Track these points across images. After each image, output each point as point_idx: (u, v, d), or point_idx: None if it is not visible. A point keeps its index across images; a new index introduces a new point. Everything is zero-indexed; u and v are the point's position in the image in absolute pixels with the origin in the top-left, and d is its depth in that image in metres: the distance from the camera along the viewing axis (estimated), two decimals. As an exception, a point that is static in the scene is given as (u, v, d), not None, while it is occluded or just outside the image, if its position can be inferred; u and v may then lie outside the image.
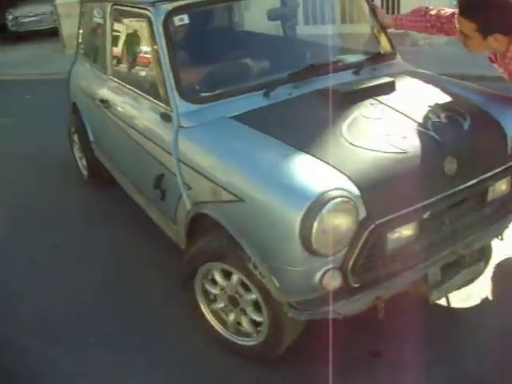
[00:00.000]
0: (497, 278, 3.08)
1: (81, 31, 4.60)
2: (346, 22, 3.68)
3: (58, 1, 11.89)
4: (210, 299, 2.68)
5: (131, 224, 3.98)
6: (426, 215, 2.26)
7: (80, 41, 4.61)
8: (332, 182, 2.07)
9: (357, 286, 2.19)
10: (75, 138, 4.74)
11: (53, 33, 13.38)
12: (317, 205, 1.99)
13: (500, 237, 2.73)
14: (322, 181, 2.07)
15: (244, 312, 2.54)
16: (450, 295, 2.85)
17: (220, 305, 2.64)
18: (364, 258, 2.15)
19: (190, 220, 2.65)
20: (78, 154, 4.85)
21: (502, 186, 2.59)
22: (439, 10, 3.12)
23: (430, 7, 3.15)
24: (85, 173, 4.80)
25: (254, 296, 2.41)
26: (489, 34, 2.58)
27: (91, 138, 4.33)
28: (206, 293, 2.68)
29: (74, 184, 4.90)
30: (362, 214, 2.11)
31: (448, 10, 3.06)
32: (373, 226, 2.12)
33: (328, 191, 2.02)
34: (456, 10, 2.98)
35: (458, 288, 2.63)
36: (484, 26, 2.56)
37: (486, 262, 2.92)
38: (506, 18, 2.57)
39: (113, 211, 4.26)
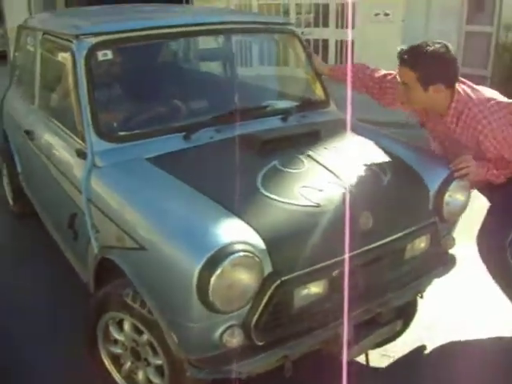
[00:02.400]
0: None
1: (16, 57, 4.46)
2: (282, 65, 3.64)
3: (10, 25, 11.64)
4: (115, 354, 2.50)
5: (46, 260, 3.77)
6: (337, 272, 2.18)
7: (14, 67, 4.47)
8: (236, 235, 1.97)
9: (261, 344, 2.07)
10: (4, 166, 4.56)
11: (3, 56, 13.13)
12: (216, 258, 1.88)
13: (420, 295, 2.67)
14: (225, 233, 1.97)
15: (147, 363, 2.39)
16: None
17: (126, 364, 2.47)
18: (269, 315, 2.05)
19: (97, 264, 2.50)
20: (6, 182, 4.65)
21: (421, 244, 2.54)
22: (375, 70, 3.11)
23: (369, 67, 3.15)
24: (11, 203, 4.60)
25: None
26: (430, 83, 2.56)
27: (19, 168, 4.15)
28: (109, 342, 2.51)
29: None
30: (268, 269, 2.01)
31: (382, 71, 3.06)
32: (278, 283, 2.02)
33: (230, 244, 1.92)
34: (389, 72, 3.00)
35: (373, 347, 2.54)
36: (424, 75, 2.55)
37: (407, 321, 2.87)
38: (446, 68, 2.58)
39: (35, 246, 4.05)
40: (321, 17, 9.00)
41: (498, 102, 2.62)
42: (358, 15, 8.79)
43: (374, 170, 2.49)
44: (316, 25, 9.05)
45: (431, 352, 2.92)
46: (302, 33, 9.07)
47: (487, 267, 2.89)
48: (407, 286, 2.51)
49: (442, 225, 2.59)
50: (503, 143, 2.59)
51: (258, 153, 2.47)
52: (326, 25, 9.00)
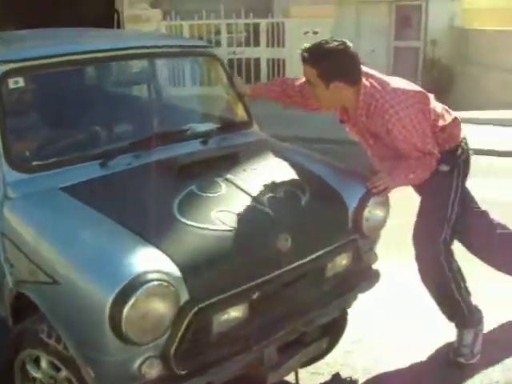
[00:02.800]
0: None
1: None
2: (204, 87, 3.65)
3: None
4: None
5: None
6: (256, 295, 2.17)
7: None
8: (150, 264, 1.94)
9: (183, 373, 2.03)
10: None
11: None
12: (128, 288, 1.84)
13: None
14: (138, 262, 1.93)
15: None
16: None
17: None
18: (188, 343, 2.01)
19: (13, 299, 2.40)
20: None
21: (342, 261, 2.56)
22: (295, 80, 3.15)
23: (286, 78, 3.19)
24: None
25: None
26: (330, 80, 2.60)
27: None
28: (27, 380, 2.41)
29: None
30: (184, 296, 1.98)
31: (303, 79, 3.10)
32: (196, 310, 1.99)
33: (143, 274, 1.89)
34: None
35: (299, 367, 2.55)
36: (323, 72, 2.59)
37: (335, 338, 2.89)
38: (345, 65, 2.62)
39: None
40: (252, 36, 9.09)
41: (405, 91, 2.67)
42: (288, 34, 8.94)
43: (293, 190, 2.51)
44: (247, 44, 9.14)
45: (361, 366, 2.95)
46: (234, 52, 9.20)
47: (420, 269, 2.95)
48: (331, 304, 2.52)
49: (362, 241, 2.63)
50: (413, 132, 2.63)
51: (176, 178, 2.44)
52: (257, 44, 9.10)
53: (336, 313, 2.63)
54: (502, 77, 10.30)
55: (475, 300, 3.00)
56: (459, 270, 2.95)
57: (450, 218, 2.90)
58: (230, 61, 8.96)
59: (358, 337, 3.14)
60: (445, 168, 2.86)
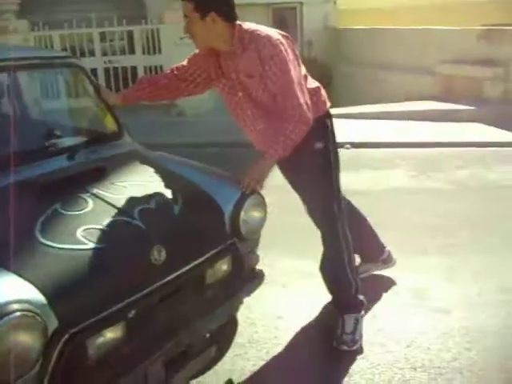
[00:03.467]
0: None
1: None
2: (70, 100, 3.48)
3: None
4: None
5: None
6: (133, 313, 2.08)
7: None
8: (10, 293, 1.79)
9: (61, 406, 1.91)
10: None
11: None
12: (-13, 324, 1.69)
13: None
14: (-3, 294, 1.78)
15: None
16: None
17: None
18: (63, 373, 1.88)
19: None
20: None
21: (222, 267, 2.53)
22: (162, 73, 3.18)
23: (152, 75, 3.12)
24: None
25: None
26: (206, 12, 2.58)
27: None
28: None
29: None
30: (53, 324, 1.85)
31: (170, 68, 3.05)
32: (67, 337, 1.87)
33: (3, 305, 1.74)
34: (181, 63, 2.99)
35: (190, 379, 2.48)
36: (199, 3, 2.58)
37: (224, 345, 2.86)
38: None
39: None
40: (127, 44, 8.90)
41: (279, 33, 2.76)
42: (164, 40, 8.84)
43: (165, 199, 2.44)
44: (122, 52, 8.92)
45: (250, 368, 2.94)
46: (109, 61, 8.95)
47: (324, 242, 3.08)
48: (215, 312, 2.48)
49: (242, 244, 2.62)
50: (290, 67, 2.66)
51: (38, 198, 2.29)
52: (132, 52, 8.92)
53: (222, 320, 2.60)
54: (370, 73, 10.84)
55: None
56: (351, 244, 3.08)
57: (337, 191, 3.02)
58: (106, 70, 8.72)
59: (247, 339, 3.13)
60: (320, 145, 2.91)
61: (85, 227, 2.14)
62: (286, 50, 2.69)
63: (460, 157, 6.88)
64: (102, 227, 2.16)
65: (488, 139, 7.50)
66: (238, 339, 2.99)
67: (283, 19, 12.54)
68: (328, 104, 3.02)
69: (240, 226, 2.58)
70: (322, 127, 2.94)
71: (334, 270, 3.11)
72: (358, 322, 3.07)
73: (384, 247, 3.59)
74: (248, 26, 2.75)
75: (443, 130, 8.04)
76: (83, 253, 2.04)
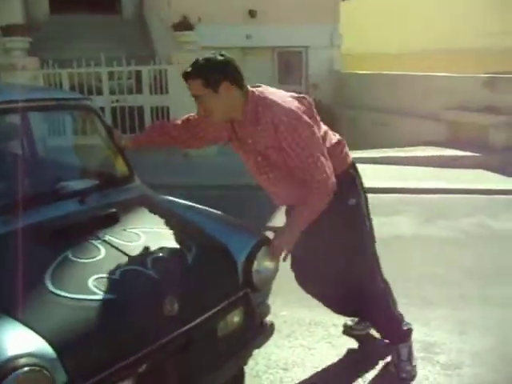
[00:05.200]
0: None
1: None
2: (82, 142, 3.47)
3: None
4: None
5: None
6: (144, 367, 2.01)
7: None
8: (19, 347, 1.73)
9: None
10: None
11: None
12: (-5, 379, 1.63)
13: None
14: (5, 346, 1.72)
15: None
16: None
17: None
18: (69, 429, 1.81)
19: None
20: None
21: (234, 318, 2.47)
22: (175, 120, 3.09)
23: (165, 121, 3.11)
24: None
25: None
26: (217, 84, 2.52)
27: None
28: None
29: None
30: (62, 379, 1.79)
31: (182, 118, 3.03)
32: (74, 392, 1.80)
33: (11, 359, 1.68)
34: (189, 114, 2.97)
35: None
36: (209, 78, 2.51)
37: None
38: (226, 67, 2.55)
39: None
40: (134, 83, 8.96)
41: (293, 98, 2.66)
42: (171, 80, 8.90)
43: (178, 248, 2.40)
44: (130, 92, 8.98)
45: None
46: (117, 100, 9.00)
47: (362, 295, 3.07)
48: (226, 365, 2.41)
49: (254, 295, 2.56)
50: (306, 151, 2.56)
51: (49, 244, 2.25)
52: (140, 91, 8.97)
53: (232, 372, 2.52)
54: (374, 117, 10.93)
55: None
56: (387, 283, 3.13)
57: (370, 245, 3.02)
58: (113, 109, 8.75)
59: None
60: (353, 201, 2.88)
61: (97, 276, 2.09)
62: (303, 122, 2.56)
63: (466, 204, 6.83)
64: (114, 277, 2.11)
65: (494, 186, 7.47)
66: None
67: (288, 63, 12.72)
68: (350, 156, 2.98)
69: (253, 276, 2.53)
70: (351, 181, 2.92)
71: (383, 315, 3.12)
72: (410, 349, 3.12)
73: None
74: (261, 93, 2.63)
75: (448, 177, 8.03)
76: (95, 304, 1.98)
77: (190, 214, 2.77)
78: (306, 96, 2.81)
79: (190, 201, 3.04)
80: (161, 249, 2.36)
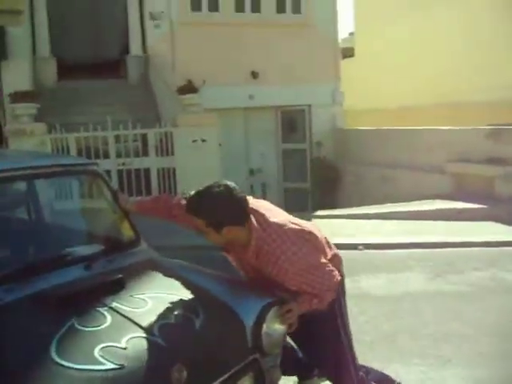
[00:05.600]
0: None
1: None
2: (88, 206, 3.47)
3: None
4: None
5: None
6: None
7: None
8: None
9: None
10: None
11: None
12: None
13: None
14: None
15: None
16: None
17: None
18: None
19: None
20: None
21: (244, 384, 2.40)
22: (180, 199, 3.06)
23: (171, 196, 3.10)
24: None
25: None
26: (220, 227, 2.53)
27: None
28: None
29: None
30: None
31: None
32: None
33: None
34: None
35: None
36: (212, 221, 2.52)
37: None
38: (231, 211, 2.55)
39: None
40: (141, 146, 9.07)
41: (295, 231, 2.65)
42: (177, 143, 9.02)
43: (185, 313, 2.35)
44: (136, 154, 9.08)
45: None
46: (123, 163, 9.08)
47: None
48: None
49: (264, 359, 2.49)
50: (307, 271, 2.60)
51: (54, 312, 2.21)
52: (146, 154, 9.07)
53: None
54: (378, 172, 10.97)
55: None
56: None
57: (350, 346, 2.92)
58: (120, 172, 8.82)
59: None
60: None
61: (103, 345, 2.04)
62: (304, 256, 2.60)
63: (475, 257, 6.75)
64: (120, 345, 2.06)
65: (503, 238, 7.39)
66: None
67: (292, 121, 12.87)
68: (341, 266, 2.96)
69: (262, 339, 2.47)
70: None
71: None
72: None
73: None
74: (265, 229, 2.61)
75: (456, 230, 7.97)
76: (101, 374, 1.93)
77: (196, 278, 2.74)
78: (311, 230, 2.78)
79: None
80: (168, 314, 2.31)
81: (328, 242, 2.91)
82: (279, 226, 2.65)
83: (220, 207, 2.52)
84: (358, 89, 14.76)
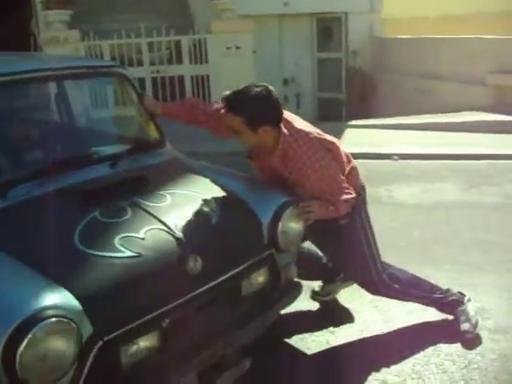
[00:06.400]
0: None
1: None
2: (114, 108, 3.54)
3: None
4: None
5: None
6: (167, 322, 2.08)
7: None
8: (46, 300, 1.82)
9: (93, 413, 1.92)
10: None
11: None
12: (23, 327, 1.73)
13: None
14: (34, 299, 1.81)
15: None
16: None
17: None
18: (96, 379, 1.90)
19: None
20: None
21: (258, 278, 2.52)
22: (208, 105, 3.14)
23: (201, 100, 3.12)
24: None
25: None
26: (257, 126, 2.58)
27: None
28: None
29: None
30: (88, 330, 1.88)
31: (217, 105, 3.04)
32: (101, 344, 1.89)
33: (39, 311, 1.77)
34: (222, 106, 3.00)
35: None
36: (251, 119, 2.57)
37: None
38: (270, 110, 2.62)
39: None
40: (174, 53, 9.01)
41: (320, 140, 2.73)
42: (211, 50, 8.92)
43: (202, 208, 2.45)
44: (170, 62, 9.04)
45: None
46: (157, 71, 9.08)
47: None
48: (251, 323, 2.46)
49: (280, 255, 2.60)
50: (329, 179, 2.68)
51: (79, 205, 2.33)
52: (180, 61, 9.02)
53: (258, 332, 2.56)
54: (417, 83, 10.65)
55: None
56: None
57: (372, 254, 2.99)
58: (154, 79, 8.85)
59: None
60: (343, 222, 2.86)
61: (122, 235, 2.17)
62: (327, 165, 2.69)
63: (512, 170, 6.64)
64: (139, 235, 2.18)
65: (541, 152, 7.23)
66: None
67: (327, 29, 12.45)
68: (360, 180, 2.99)
69: (278, 237, 2.56)
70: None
71: (421, 296, 3.13)
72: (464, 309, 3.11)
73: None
74: (292, 134, 2.68)
75: (495, 143, 7.80)
76: (120, 261, 2.06)
77: (217, 177, 2.81)
78: (334, 141, 2.84)
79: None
80: (186, 209, 2.41)
81: (347, 155, 2.95)
82: (305, 134, 2.73)
83: (261, 105, 2.57)
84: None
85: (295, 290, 2.75)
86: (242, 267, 2.38)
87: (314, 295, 3.42)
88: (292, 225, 2.62)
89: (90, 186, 2.44)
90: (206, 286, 2.23)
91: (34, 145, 2.90)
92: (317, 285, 3.43)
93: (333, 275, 3.38)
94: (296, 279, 2.80)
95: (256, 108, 2.57)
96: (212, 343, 2.27)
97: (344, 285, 3.43)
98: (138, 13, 9.61)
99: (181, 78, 9.01)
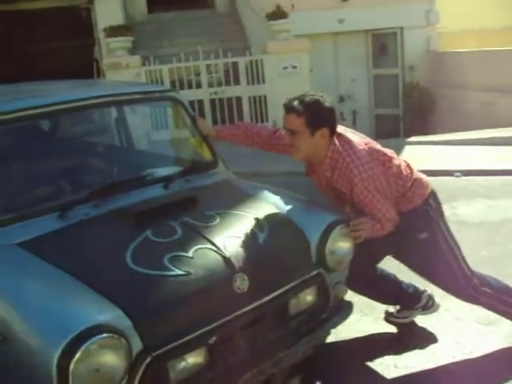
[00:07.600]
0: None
1: None
2: (168, 131, 3.66)
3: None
4: None
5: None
6: (214, 339, 2.13)
7: None
8: (99, 316, 1.91)
9: (143, 428, 1.98)
10: None
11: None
12: (76, 342, 1.82)
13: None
14: (87, 315, 1.91)
15: None
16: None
17: None
18: (145, 394, 1.97)
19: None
20: None
21: (306, 297, 2.53)
22: (260, 128, 3.28)
23: (252, 124, 3.20)
24: None
25: None
26: (317, 127, 2.65)
27: None
28: None
29: None
30: (137, 346, 1.95)
31: (269, 129, 3.13)
32: (149, 359, 1.96)
33: (91, 327, 1.86)
34: (276, 129, 3.08)
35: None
36: (312, 119, 2.64)
37: (308, 376, 2.82)
38: (330, 114, 2.72)
39: None
40: (232, 75, 9.17)
41: (370, 152, 2.74)
42: (267, 70, 9.03)
43: (251, 228, 2.49)
44: (228, 83, 9.20)
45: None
46: (215, 92, 9.27)
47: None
48: (299, 342, 2.48)
49: (329, 275, 2.60)
50: (374, 192, 2.68)
51: (132, 225, 2.42)
52: (237, 82, 9.16)
53: (306, 350, 2.57)
54: (477, 97, 10.38)
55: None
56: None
57: (456, 260, 2.98)
58: (212, 101, 9.03)
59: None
60: (424, 235, 2.88)
61: (172, 254, 2.24)
62: (374, 177, 2.69)
63: None
64: (188, 255, 2.25)
65: None
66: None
67: (383, 45, 12.35)
68: (428, 190, 2.95)
69: (326, 256, 2.57)
70: (422, 216, 2.89)
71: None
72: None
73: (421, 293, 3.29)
74: (342, 144, 2.73)
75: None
76: (169, 279, 2.13)
77: (266, 196, 2.86)
78: (387, 153, 2.85)
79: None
80: (234, 229, 2.46)
81: (409, 165, 2.95)
82: (354, 144, 2.75)
83: (322, 108, 2.69)
84: (454, 8, 13.78)
85: (345, 310, 2.75)
86: (289, 286, 2.41)
87: (389, 317, 3.30)
88: (340, 244, 2.63)
89: (142, 208, 2.53)
90: (253, 305, 2.26)
91: (92, 167, 3.04)
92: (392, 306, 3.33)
93: (411, 303, 3.25)
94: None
95: (317, 110, 2.67)
96: (259, 362, 2.30)
97: (423, 313, 3.32)
98: (194, 36, 9.88)
99: (238, 99, 9.15)
